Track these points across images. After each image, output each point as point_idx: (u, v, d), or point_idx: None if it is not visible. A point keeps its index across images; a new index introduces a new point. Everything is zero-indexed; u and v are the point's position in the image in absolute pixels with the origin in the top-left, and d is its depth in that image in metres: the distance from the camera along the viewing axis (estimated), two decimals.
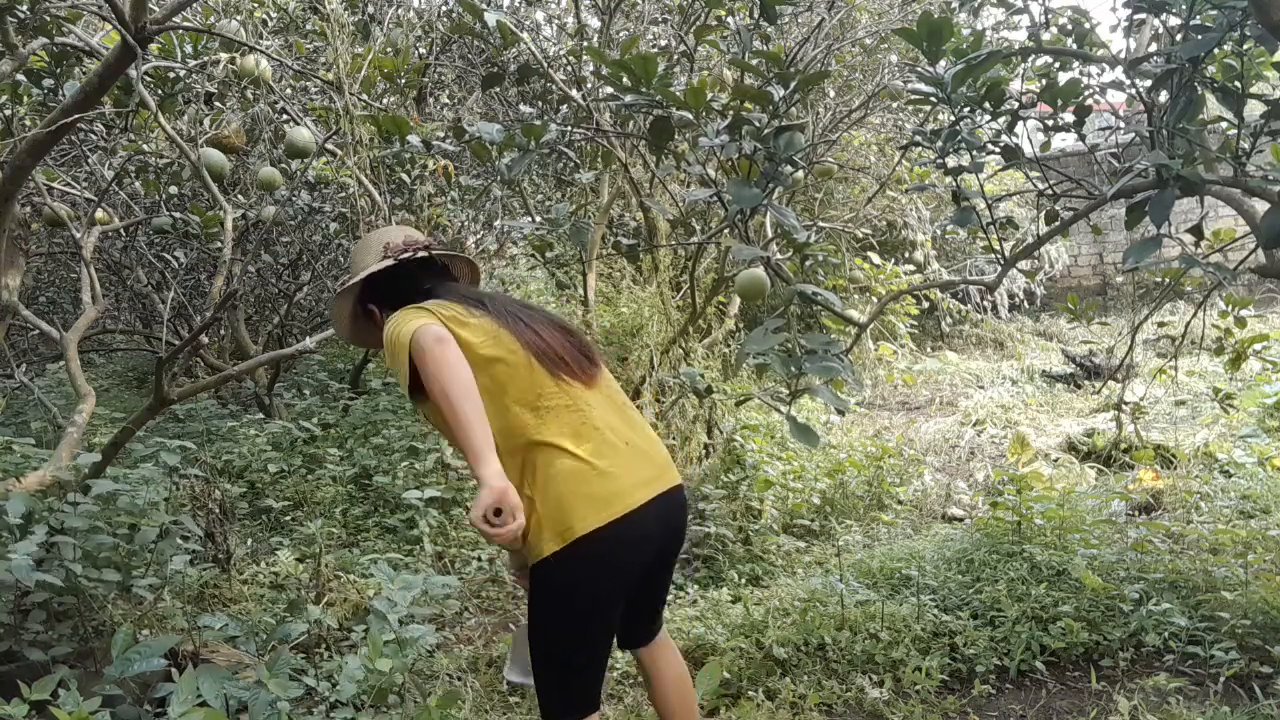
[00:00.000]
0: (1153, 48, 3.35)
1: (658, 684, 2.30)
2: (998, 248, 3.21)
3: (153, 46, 3.43)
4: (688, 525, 2.28)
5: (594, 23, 5.80)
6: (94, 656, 2.63)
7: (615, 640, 2.19)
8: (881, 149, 8.58)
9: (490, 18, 3.21)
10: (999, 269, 3.24)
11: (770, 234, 4.04)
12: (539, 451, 1.95)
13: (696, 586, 4.00)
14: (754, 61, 2.84)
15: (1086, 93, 3.10)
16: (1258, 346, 4.32)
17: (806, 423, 2.52)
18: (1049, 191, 3.32)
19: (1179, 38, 2.83)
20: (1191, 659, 3.21)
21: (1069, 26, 3.35)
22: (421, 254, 2.17)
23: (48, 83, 3.45)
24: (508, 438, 1.94)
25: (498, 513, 1.75)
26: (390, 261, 2.14)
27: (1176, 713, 2.84)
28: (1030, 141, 3.78)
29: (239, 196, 5.05)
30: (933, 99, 2.95)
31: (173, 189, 4.69)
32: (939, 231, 10.68)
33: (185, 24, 3.18)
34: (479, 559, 4.10)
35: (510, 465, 1.90)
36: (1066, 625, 3.32)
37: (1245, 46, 2.70)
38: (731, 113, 2.72)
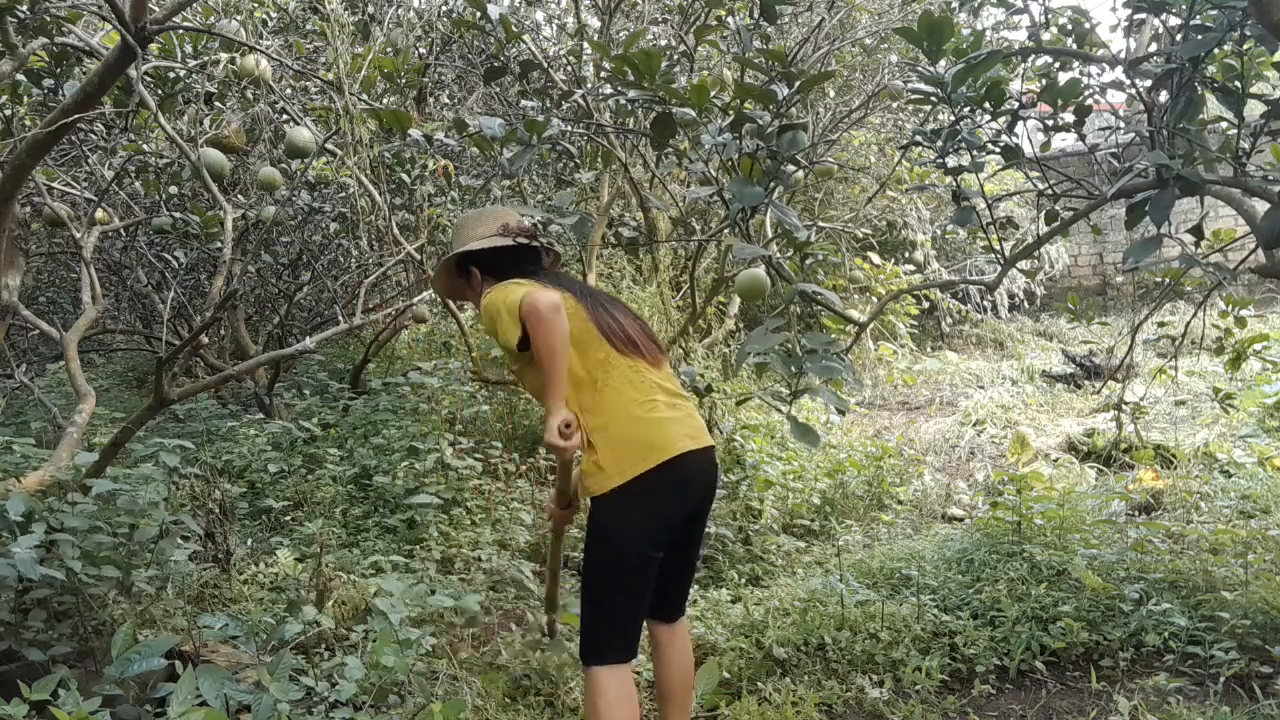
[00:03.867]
0: (1153, 48, 3.34)
1: (665, 664, 2.49)
2: (998, 248, 3.21)
3: (153, 46, 3.42)
4: (717, 487, 2.53)
5: (594, 23, 5.80)
6: (94, 656, 2.62)
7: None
8: (881, 149, 8.59)
9: (493, 10, 3.20)
10: (999, 269, 3.24)
11: (770, 233, 4.04)
12: (606, 401, 2.28)
13: (697, 586, 4.00)
14: (757, 59, 2.84)
15: (1086, 93, 3.10)
16: (1258, 346, 4.32)
17: (807, 423, 2.53)
18: (1049, 191, 3.32)
19: (1179, 38, 2.83)
20: (1191, 659, 3.21)
21: (1069, 26, 3.35)
22: (534, 242, 2.52)
23: (48, 83, 3.44)
24: (581, 390, 2.30)
25: (568, 425, 2.21)
26: (508, 242, 2.49)
27: (1176, 713, 2.84)
28: (1030, 141, 3.77)
29: (239, 196, 5.05)
30: (933, 99, 2.95)
31: (173, 189, 4.68)
32: (939, 231, 10.69)
33: (185, 24, 3.18)
34: (479, 559, 4.09)
35: (583, 410, 2.28)
36: (1066, 625, 3.32)
37: (1245, 46, 2.70)
38: (733, 111, 2.72)
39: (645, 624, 2.53)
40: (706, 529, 4.22)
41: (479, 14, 3.27)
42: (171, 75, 3.61)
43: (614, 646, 2.25)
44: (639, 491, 2.21)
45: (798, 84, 2.62)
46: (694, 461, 2.29)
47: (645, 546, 2.25)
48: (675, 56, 4.66)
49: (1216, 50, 2.79)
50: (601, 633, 2.27)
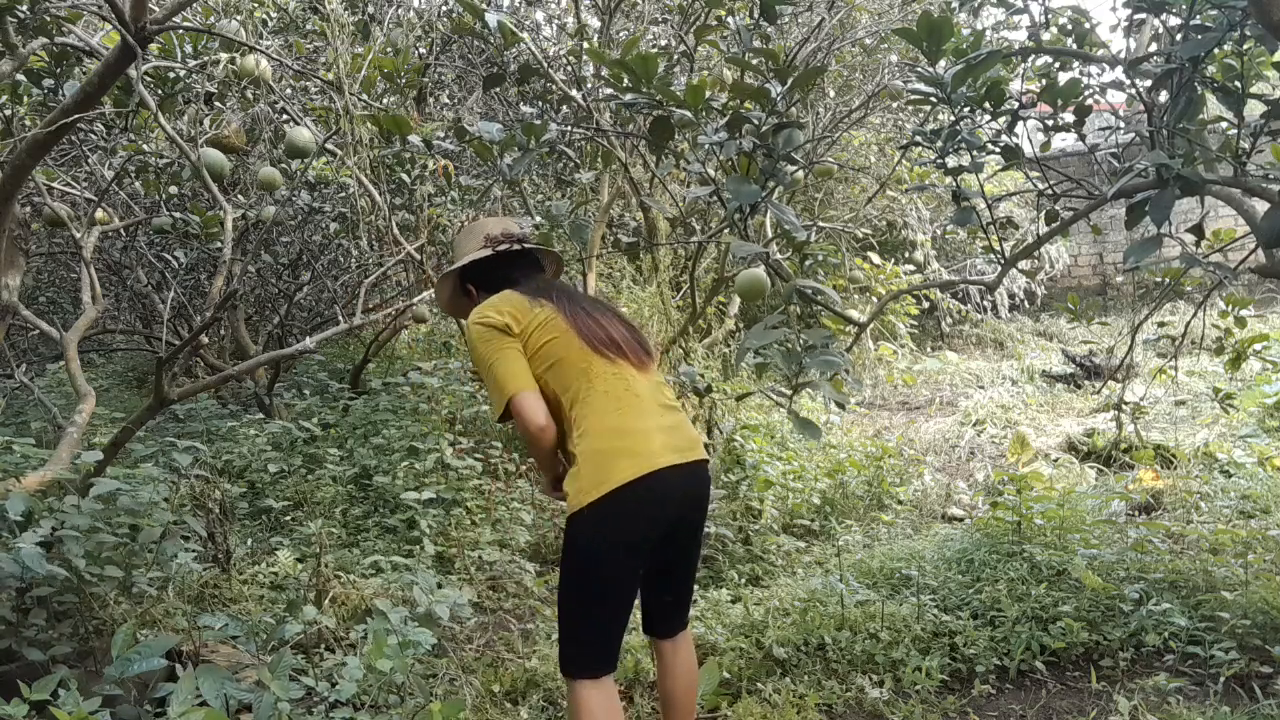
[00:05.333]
0: (1153, 48, 3.34)
1: (668, 676, 2.46)
2: (998, 248, 3.21)
3: (153, 46, 3.42)
4: (709, 501, 2.46)
5: (594, 23, 5.80)
6: (94, 656, 2.62)
7: (641, 623, 2.48)
8: (881, 149, 8.59)
9: (491, 18, 3.21)
10: (999, 269, 3.24)
11: (770, 233, 4.04)
12: (588, 411, 2.22)
13: (696, 586, 4.00)
14: (753, 60, 2.84)
15: (1086, 93, 3.09)
16: (1258, 346, 4.32)
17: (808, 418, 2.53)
18: (1049, 191, 3.32)
19: (1179, 38, 2.83)
20: (1191, 659, 3.21)
21: (1069, 26, 3.35)
22: (515, 247, 2.47)
23: (48, 83, 3.44)
24: (564, 395, 2.25)
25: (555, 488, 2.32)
26: (487, 252, 2.46)
27: (1176, 713, 2.84)
28: (1030, 141, 3.77)
29: (239, 196, 5.05)
30: (933, 99, 2.95)
31: (173, 189, 4.68)
32: (939, 231, 10.69)
33: (185, 24, 3.18)
34: (480, 559, 4.10)
35: (567, 424, 2.25)
36: (1066, 625, 3.32)
37: (1245, 46, 2.70)
38: (731, 111, 2.72)
39: (647, 637, 2.51)
40: (706, 530, 4.24)
41: (478, 21, 3.27)
42: (171, 75, 3.61)
43: (591, 659, 2.22)
44: (612, 506, 2.15)
45: (790, 81, 2.62)
46: (675, 476, 2.22)
47: (620, 561, 2.20)
48: (675, 56, 4.66)
49: (1216, 50, 2.79)
50: (578, 645, 2.23)
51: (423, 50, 5.86)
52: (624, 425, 2.21)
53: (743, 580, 4.15)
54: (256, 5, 4.40)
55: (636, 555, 2.23)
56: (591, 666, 2.21)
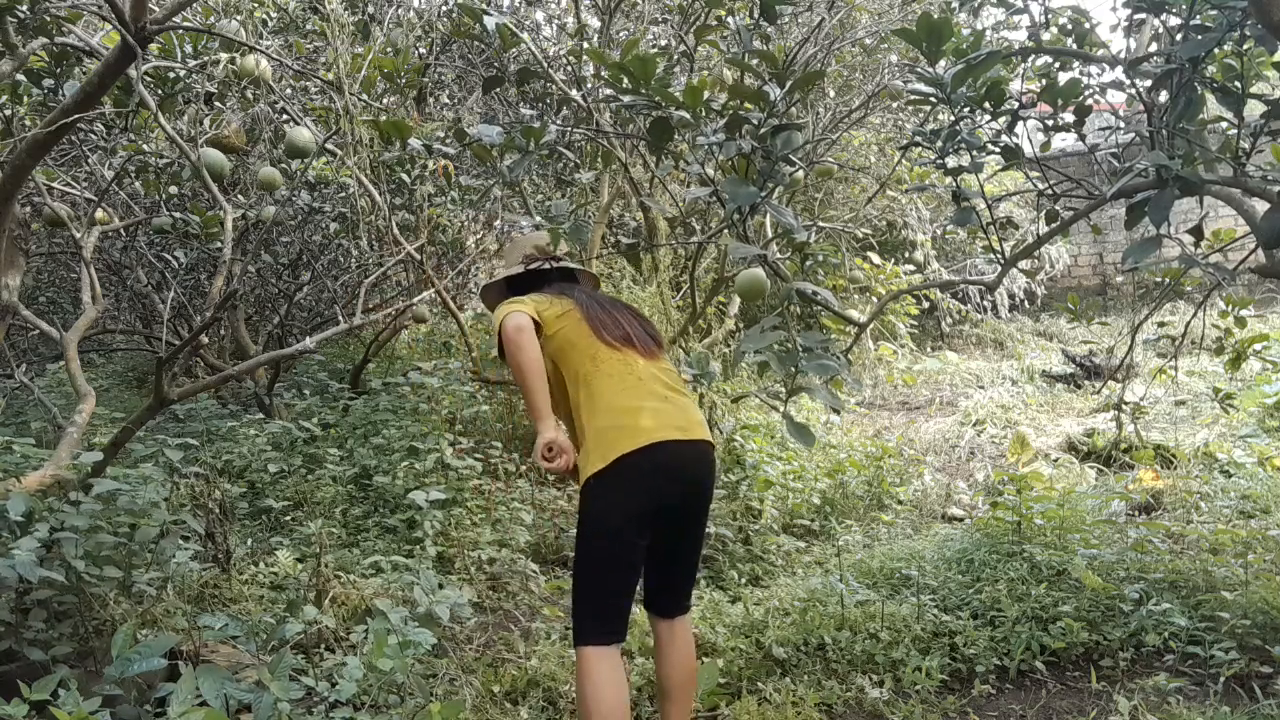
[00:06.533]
0: (1153, 48, 3.34)
1: (664, 662, 2.53)
2: (998, 248, 3.21)
3: (153, 46, 3.42)
4: (714, 483, 2.56)
5: (594, 23, 5.80)
6: (94, 656, 2.62)
7: (643, 599, 2.56)
8: (881, 149, 8.59)
9: (490, 22, 3.20)
10: (999, 269, 3.24)
11: (770, 233, 4.04)
12: (595, 393, 2.40)
13: (696, 587, 4.00)
14: (752, 62, 2.84)
15: (1086, 93, 3.09)
16: (1258, 346, 4.32)
17: (805, 422, 2.53)
18: (1049, 191, 3.32)
19: (1179, 38, 2.83)
20: (1191, 659, 3.21)
21: (1069, 26, 3.35)
22: (546, 265, 2.74)
23: (48, 83, 3.44)
24: (573, 380, 2.46)
25: (550, 449, 2.35)
26: (519, 269, 2.75)
27: (1176, 713, 2.84)
28: (1030, 141, 3.77)
29: (239, 196, 5.05)
30: (933, 99, 2.95)
31: (173, 189, 4.68)
32: (939, 231, 10.69)
33: (185, 24, 3.18)
34: (480, 559, 4.09)
35: (578, 407, 2.43)
36: (1066, 625, 3.32)
37: (1245, 46, 2.70)
38: (730, 111, 2.72)
39: (647, 619, 2.59)
40: (706, 530, 4.24)
41: (477, 24, 3.27)
42: (171, 75, 3.61)
43: (597, 627, 2.33)
44: (615, 475, 2.30)
45: (789, 85, 2.62)
46: (677, 450, 2.35)
47: (622, 529, 2.32)
48: (675, 56, 4.66)
49: (1216, 50, 2.79)
50: (585, 612, 2.35)
51: (423, 50, 5.86)
52: (627, 404, 2.37)
53: (743, 580, 4.15)
54: (256, 5, 4.40)
55: (639, 525, 2.34)
56: (597, 633, 2.32)
